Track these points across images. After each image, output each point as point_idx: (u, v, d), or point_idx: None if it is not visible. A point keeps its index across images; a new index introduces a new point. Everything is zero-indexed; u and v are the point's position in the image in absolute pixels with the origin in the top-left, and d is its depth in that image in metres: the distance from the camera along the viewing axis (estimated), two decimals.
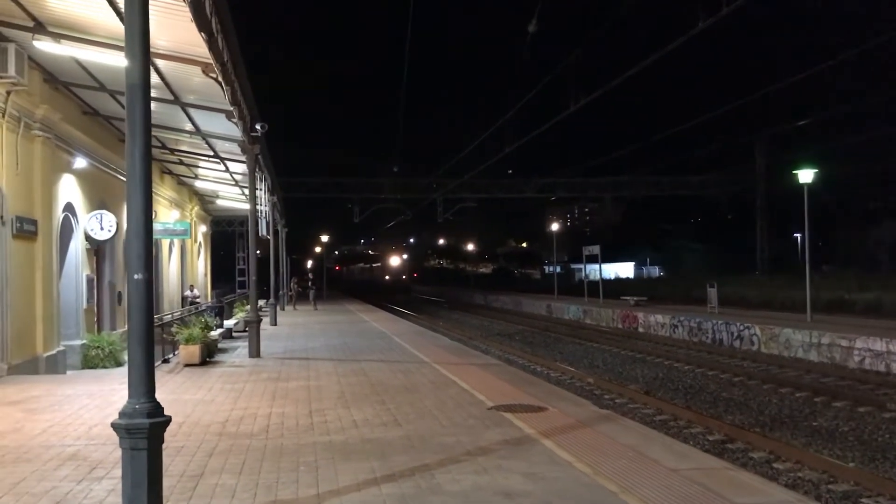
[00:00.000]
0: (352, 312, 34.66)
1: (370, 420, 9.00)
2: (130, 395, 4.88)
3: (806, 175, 21.87)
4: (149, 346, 4.95)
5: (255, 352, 15.62)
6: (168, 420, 4.96)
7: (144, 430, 4.77)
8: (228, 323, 21.85)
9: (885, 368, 16.47)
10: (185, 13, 8.96)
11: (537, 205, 63.15)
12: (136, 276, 4.90)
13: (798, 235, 63.40)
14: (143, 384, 4.90)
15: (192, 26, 9.36)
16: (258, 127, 15.11)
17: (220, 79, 11.00)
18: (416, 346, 18.02)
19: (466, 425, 8.61)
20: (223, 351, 17.09)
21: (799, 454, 10.14)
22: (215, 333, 16.99)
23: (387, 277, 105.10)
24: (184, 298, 28.87)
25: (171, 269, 28.18)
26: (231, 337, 20.43)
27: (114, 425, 4.84)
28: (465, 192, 44.79)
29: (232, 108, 12.74)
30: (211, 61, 10.59)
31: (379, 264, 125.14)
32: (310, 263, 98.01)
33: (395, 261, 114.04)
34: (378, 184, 45.48)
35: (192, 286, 30.61)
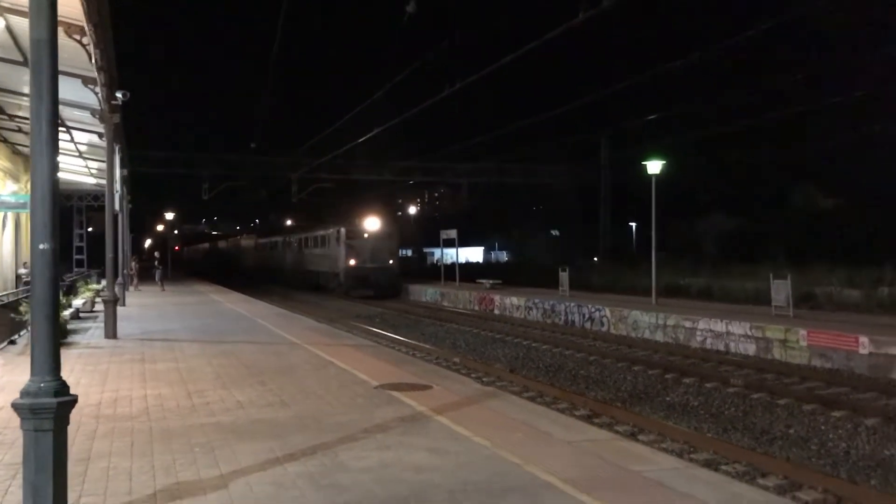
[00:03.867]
0: (202, 293, 33.43)
1: (255, 401, 8.79)
2: (34, 373, 4.57)
3: (654, 166, 23.21)
4: (54, 321, 4.65)
5: (111, 332, 14.80)
6: (75, 399, 4.68)
7: (51, 410, 4.49)
8: (76, 303, 20.51)
9: (724, 348, 17.85)
10: None
11: (392, 189, 63.39)
12: (41, 247, 4.58)
13: (634, 224, 67.37)
14: (48, 361, 4.62)
15: None
16: (119, 95, 14.25)
17: (88, 41, 10.28)
18: (280, 327, 17.68)
19: (356, 404, 8.60)
20: (74, 332, 16.05)
21: (660, 426, 10.84)
22: (66, 313, 15.93)
23: (351, 262, 38.14)
24: (18, 277, 26.76)
25: (4, 245, 26.05)
26: (79, 318, 19.20)
27: (15, 405, 4.49)
28: (323, 172, 44.18)
29: (96, 75, 11.93)
30: (80, 22, 9.88)
31: (318, 235, 43.82)
32: (148, 242, 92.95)
33: (372, 225, 39.09)
34: (232, 160, 43.98)
35: (25, 263, 28.42)
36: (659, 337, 20.00)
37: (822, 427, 10.92)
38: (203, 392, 9.33)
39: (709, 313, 19.70)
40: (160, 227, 71.04)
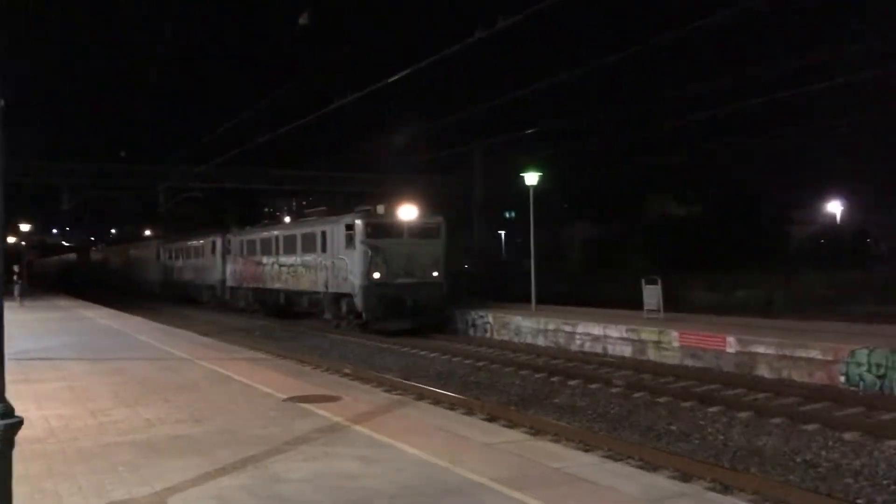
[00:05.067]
0: (68, 309, 31.79)
1: (164, 418, 8.65)
2: None
3: (531, 178, 24.14)
4: (0, 345, 4.55)
5: None
6: (21, 421, 4.60)
7: None
8: None
9: (602, 350, 18.84)
10: None
11: (263, 198, 62.32)
12: None
13: (502, 233, 69.32)
14: None
15: None
16: None
17: None
18: (164, 342, 17.22)
19: (270, 417, 8.63)
20: None
21: (555, 427, 11.39)
22: None
23: (375, 275, 23.63)
24: None
25: None
26: None
27: None
28: (195, 181, 42.79)
29: None
30: None
31: (301, 233, 28.71)
32: None
33: (408, 214, 24.57)
34: (97, 169, 41.82)
35: None
36: (541, 341, 20.82)
37: (701, 422, 11.80)
38: (106, 411, 9.07)
39: (586, 317, 20.70)
40: (11, 240, 66.30)
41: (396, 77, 16.51)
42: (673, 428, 11.60)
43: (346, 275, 24.49)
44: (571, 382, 15.30)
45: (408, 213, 24.46)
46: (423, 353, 20.18)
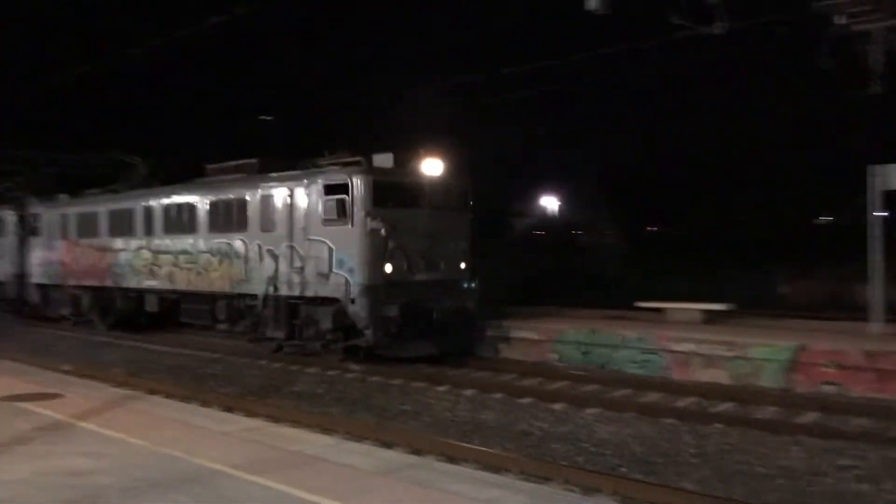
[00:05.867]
0: None
1: None
2: None
3: None
4: None
5: None
6: None
7: None
8: None
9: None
10: None
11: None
12: None
13: None
14: None
15: None
16: None
17: None
18: None
19: None
20: None
21: (293, 414, 11.52)
22: None
23: (387, 269, 14.74)
24: None
25: None
26: None
27: None
28: None
29: None
30: None
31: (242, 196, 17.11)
32: None
33: (433, 169, 15.55)
34: None
35: None
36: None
37: (431, 401, 12.58)
38: None
39: None
40: None
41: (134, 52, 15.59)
42: (406, 408, 12.25)
43: (328, 267, 15.21)
44: (310, 370, 15.50)
45: (430, 167, 15.77)
46: (149, 345, 19.28)
